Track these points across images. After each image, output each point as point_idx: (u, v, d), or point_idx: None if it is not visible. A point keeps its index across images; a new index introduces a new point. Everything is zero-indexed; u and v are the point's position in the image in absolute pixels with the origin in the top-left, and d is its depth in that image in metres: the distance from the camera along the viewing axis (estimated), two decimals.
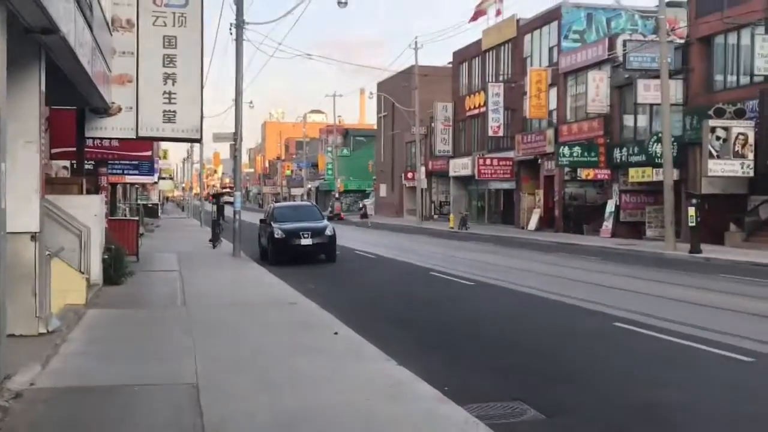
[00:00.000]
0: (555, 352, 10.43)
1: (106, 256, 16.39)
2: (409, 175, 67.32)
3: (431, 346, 10.96)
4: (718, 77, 31.49)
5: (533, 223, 45.36)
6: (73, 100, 15.50)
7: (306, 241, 23.36)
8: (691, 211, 26.64)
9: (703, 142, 27.24)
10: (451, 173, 59.21)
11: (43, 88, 9.88)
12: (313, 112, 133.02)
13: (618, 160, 37.09)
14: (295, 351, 9.64)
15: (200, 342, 10.10)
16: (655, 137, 32.48)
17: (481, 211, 55.62)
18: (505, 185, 50.57)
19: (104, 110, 16.62)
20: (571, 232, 41.29)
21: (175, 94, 17.14)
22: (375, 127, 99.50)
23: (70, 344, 9.97)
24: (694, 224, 26.66)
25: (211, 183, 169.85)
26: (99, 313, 12.62)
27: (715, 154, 26.96)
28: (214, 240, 30.26)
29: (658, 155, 32.11)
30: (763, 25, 26.92)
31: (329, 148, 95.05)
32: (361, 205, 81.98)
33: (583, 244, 33.08)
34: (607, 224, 37.98)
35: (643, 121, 36.75)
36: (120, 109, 16.80)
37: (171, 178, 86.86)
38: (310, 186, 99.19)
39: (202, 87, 17.35)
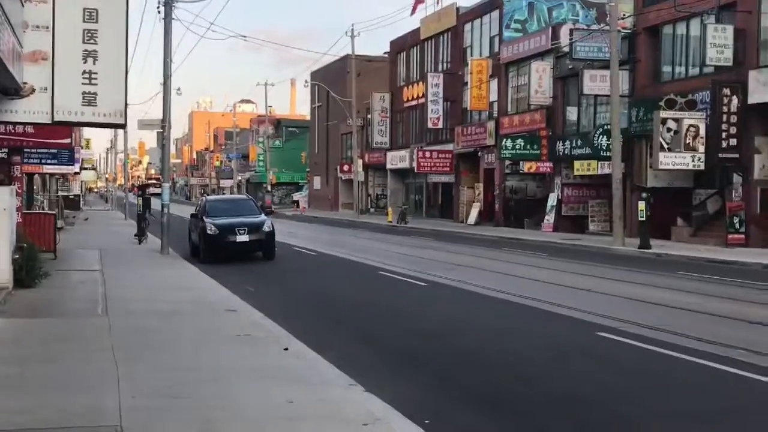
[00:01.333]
0: (548, 370, 9.08)
1: (17, 256, 14.49)
2: (345, 167, 65.78)
3: (397, 362, 9.52)
4: (666, 68, 30.80)
5: (473, 217, 44.32)
6: None
7: (242, 238, 21.63)
8: (641, 205, 25.81)
9: (654, 133, 26.41)
10: (389, 166, 57.85)
11: None
12: (243, 102, 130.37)
13: (560, 153, 36.23)
14: (239, 374, 8.08)
15: (124, 364, 8.44)
16: (600, 129, 31.68)
17: (419, 204, 54.44)
18: (444, 178, 49.46)
19: (15, 91, 14.67)
20: (512, 227, 40.36)
21: (96, 73, 15.24)
22: (308, 118, 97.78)
23: None
24: (643, 219, 25.85)
25: (136, 174, 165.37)
26: (4, 324, 10.81)
27: (666, 146, 26.14)
28: (140, 235, 28.29)
29: (604, 148, 31.36)
30: (714, 14, 26.21)
31: (260, 139, 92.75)
32: (295, 198, 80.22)
33: (528, 239, 32.08)
34: (549, 218, 37.15)
35: (586, 113, 35.96)
36: (33, 90, 14.85)
37: (94, 169, 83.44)
38: (240, 178, 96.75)
39: (126, 66, 15.51)
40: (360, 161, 57.70)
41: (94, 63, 15.27)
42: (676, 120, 26.27)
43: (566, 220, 36.90)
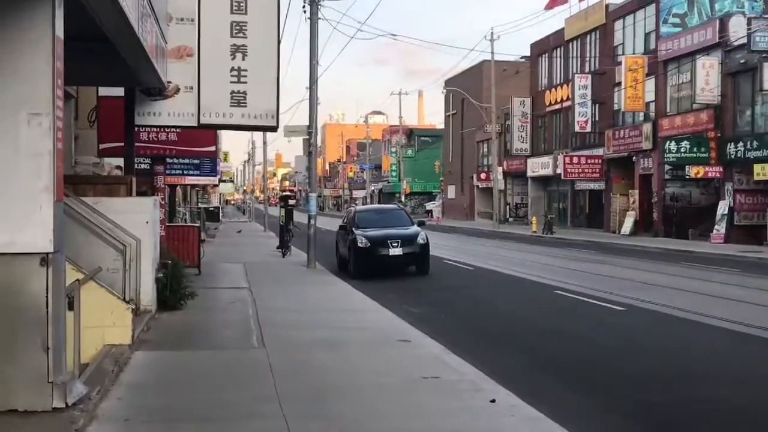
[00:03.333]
0: None
1: (161, 274, 13.06)
2: (482, 175, 63.45)
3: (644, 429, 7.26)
4: None
5: (627, 226, 41.11)
6: (118, 78, 12.25)
7: (395, 251, 19.77)
8: None
9: None
10: (529, 173, 55.18)
11: (59, 31, 6.49)
12: (373, 113, 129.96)
13: (732, 156, 32.80)
14: None
15: (296, 422, 6.57)
16: None
17: (563, 213, 51.45)
18: (593, 185, 46.35)
19: (159, 91, 13.31)
20: (673, 237, 37.03)
21: (245, 71, 13.71)
22: (437, 127, 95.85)
23: (100, 425, 6.53)
24: None
25: (270, 186, 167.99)
26: (148, 358, 9.22)
27: None
28: (283, 247, 26.95)
29: None
30: None
31: (393, 149, 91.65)
32: (428, 208, 78.48)
33: (700, 251, 28.91)
34: (719, 228, 33.66)
35: (763, 111, 32.33)
36: (178, 90, 13.46)
37: (231, 181, 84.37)
38: (373, 188, 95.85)
39: (278, 62, 13.90)
40: (499, 168, 55.23)
41: (243, 59, 13.75)
42: None
43: (739, 230, 33.34)
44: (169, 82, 13.25)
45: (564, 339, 11.33)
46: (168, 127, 15.45)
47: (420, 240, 20.21)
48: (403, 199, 75.72)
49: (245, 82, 13.71)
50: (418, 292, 17.22)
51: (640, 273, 20.76)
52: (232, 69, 13.69)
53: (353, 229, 20.80)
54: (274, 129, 14.27)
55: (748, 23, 28.74)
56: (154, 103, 13.50)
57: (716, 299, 15.23)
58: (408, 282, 19.43)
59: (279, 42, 13.95)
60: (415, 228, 21.06)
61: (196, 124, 13.62)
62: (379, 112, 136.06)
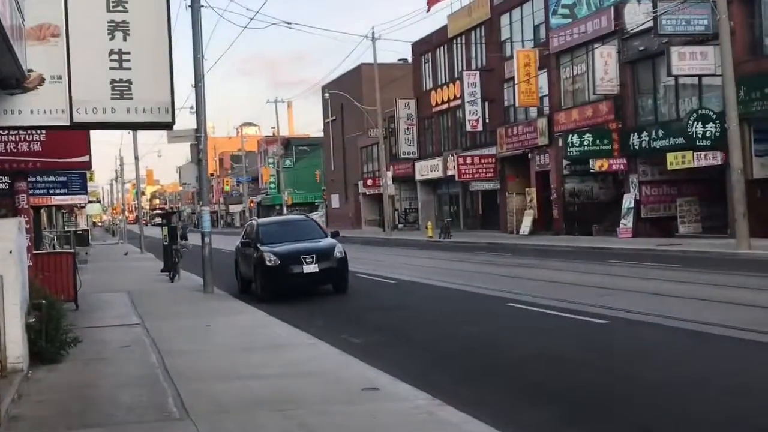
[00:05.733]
0: None
1: (34, 319, 10.01)
2: (369, 181, 61.33)
3: None
4: None
5: (526, 226, 39.80)
6: None
7: (310, 268, 17.09)
8: None
9: None
10: (418, 177, 53.46)
11: None
12: (245, 125, 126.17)
13: (636, 147, 31.81)
14: None
15: None
16: (695, 115, 27.18)
17: (455, 216, 49.85)
18: (487, 186, 44.91)
19: (17, 83, 10.27)
20: (576, 234, 35.86)
21: (128, 53, 10.85)
22: (311, 136, 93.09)
23: None
24: None
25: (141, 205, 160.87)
26: None
27: None
28: (169, 270, 23.79)
29: (700, 136, 26.93)
30: None
31: (271, 160, 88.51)
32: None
33: (618, 248, 27.57)
34: (626, 222, 32.61)
35: (666, 99, 31.50)
36: (42, 80, 10.46)
37: (98, 202, 79.08)
38: (252, 200, 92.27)
39: (170, 41, 11.10)
40: (389, 173, 53.20)
41: (124, 38, 10.89)
42: None
43: (646, 223, 32.42)
44: (30, 71, 10.26)
45: (575, 369, 8.97)
46: (33, 128, 12.28)
47: (337, 254, 17.62)
48: (285, 210, 72.61)
49: (129, 68, 10.85)
50: (349, 316, 14.64)
51: (581, 276, 18.87)
52: (112, 52, 10.81)
53: (258, 245, 17.98)
54: (168, 126, 11.42)
55: (654, 5, 27.60)
56: (12, 99, 10.44)
57: (697, 301, 13.37)
58: (329, 303, 16.82)
59: (169, 16, 11.14)
60: (329, 240, 18.44)
61: (68, 123, 10.64)
62: (252, 124, 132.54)
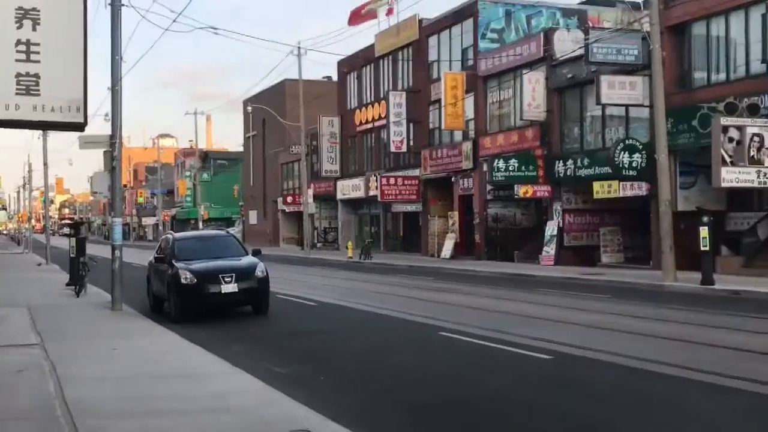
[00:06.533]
0: None
1: None
2: (288, 199, 60.16)
3: None
4: (699, 73, 26.55)
5: (447, 250, 39.33)
6: None
7: (229, 288, 16.01)
8: (704, 231, 21.24)
9: (713, 144, 21.93)
10: (339, 196, 52.62)
11: None
12: (162, 136, 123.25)
13: (561, 175, 31.69)
14: None
15: None
16: (621, 144, 27.17)
17: (376, 237, 49.13)
18: (409, 207, 44.40)
19: None
20: (497, 260, 35.57)
21: (37, 44, 9.74)
22: (230, 150, 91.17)
23: None
24: (707, 248, 21.29)
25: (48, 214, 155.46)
26: None
27: (728, 159, 21.69)
28: (75, 284, 22.28)
29: (627, 166, 26.91)
30: None
31: (188, 172, 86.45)
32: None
33: (541, 275, 27.24)
34: (549, 250, 32.45)
35: (592, 128, 31.52)
36: None
37: (4, 209, 75.65)
38: (166, 213, 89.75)
39: (85, 34, 10.01)
40: (311, 191, 52.17)
41: (33, 28, 9.78)
42: (739, 128, 21.86)
43: (569, 251, 32.29)
44: None
45: (536, 415, 8.23)
46: None
47: (259, 273, 16.58)
48: (200, 225, 70.67)
49: (38, 61, 9.76)
50: (271, 341, 13.62)
51: (512, 304, 18.29)
52: (19, 42, 9.69)
53: (173, 261, 16.80)
54: (80, 127, 10.31)
55: (586, 33, 27.52)
56: None
57: (640, 337, 12.84)
58: (248, 325, 15.76)
59: (85, 5, 10.06)
60: (250, 258, 17.37)
61: None
62: (169, 135, 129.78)
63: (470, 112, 38.16)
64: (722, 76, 25.55)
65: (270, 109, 56.85)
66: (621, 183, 27.65)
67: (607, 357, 10.78)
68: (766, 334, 12.71)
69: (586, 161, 30.26)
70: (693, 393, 8.71)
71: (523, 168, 32.66)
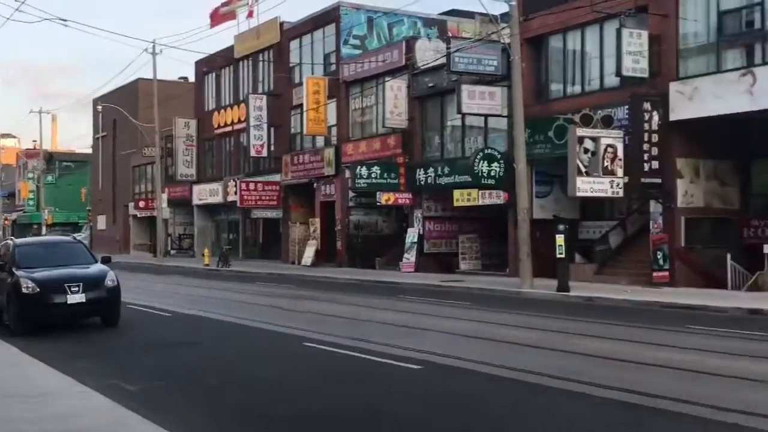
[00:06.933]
0: None
1: None
2: (141, 203, 57.88)
3: None
4: (555, 85, 27.24)
5: (308, 257, 38.81)
6: None
7: (75, 298, 14.86)
8: (560, 239, 21.70)
9: (569, 155, 22.44)
10: (196, 201, 51.09)
11: None
12: (3, 135, 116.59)
13: (422, 182, 31.86)
14: None
15: None
16: (481, 154, 27.50)
17: (234, 244, 47.91)
18: (270, 214, 43.54)
19: None
20: (359, 267, 35.39)
21: None
22: (78, 152, 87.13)
23: None
24: (562, 255, 21.78)
25: None
26: None
27: (584, 170, 22.25)
28: None
29: (486, 175, 27.27)
30: (633, 15, 22.78)
31: (31, 175, 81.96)
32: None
33: (402, 282, 27.22)
34: (409, 257, 32.51)
35: (452, 137, 31.85)
36: None
37: None
38: (6, 218, 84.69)
39: None
40: (165, 195, 50.34)
41: None
42: (594, 139, 22.48)
43: (428, 258, 32.46)
44: None
45: (411, 427, 7.81)
46: None
47: (109, 282, 15.52)
48: (44, 230, 66.99)
49: None
50: (121, 356, 12.67)
51: (376, 312, 17.98)
52: None
53: (13, 269, 15.48)
54: None
55: (447, 42, 27.70)
56: None
57: (502, 344, 12.76)
58: (97, 338, 14.69)
59: None
60: (99, 266, 16.23)
61: None
62: (11, 135, 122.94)
63: (332, 118, 37.83)
64: (578, 88, 26.30)
65: (122, 109, 54.54)
66: (480, 191, 28.02)
67: (475, 366, 10.58)
68: (620, 341, 12.91)
69: (446, 169, 30.52)
70: (555, 400, 8.57)
71: (385, 175, 32.60)
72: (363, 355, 11.48)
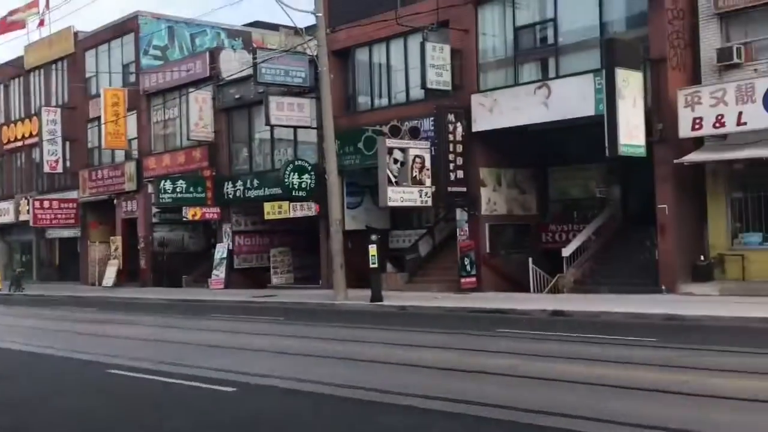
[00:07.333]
0: None
1: None
2: None
3: None
4: (363, 97, 27.43)
5: (110, 278, 36.93)
6: None
7: None
8: (373, 249, 21.76)
9: (380, 165, 22.56)
10: None
11: None
12: None
13: (230, 196, 31.16)
14: None
15: None
16: (291, 166, 27.26)
17: (28, 266, 44.75)
18: (66, 233, 41.11)
19: None
20: (165, 286, 34.09)
21: None
22: None
23: None
24: (376, 265, 21.86)
25: None
26: None
27: (394, 180, 22.45)
28: None
29: (296, 187, 27.06)
30: (435, 29, 23.29)
31: None
32: None
33: (217, 300, 26.36)
34: (219, 273, 31.64)
35: (261, 149, 31.35)
36: None
37: None
38: None
39: None
40: None
41: None
42: (403, 150, 22.78)
43: (239, 273, 31.74)
44: None
45: None
46: None
47: None
48: None
49: None
50: None
51: (182, 333, 17.18)
52: None
53: None
54: None
55: (254, 53, 27.20)
56: None
57: (319, 359, 12.45)
58: None
59: None
60: None
61: None
62: None
63: (133, 131, 36.27)
64: (385, 101, 26.63)
65: None
66: (291, 204, 27.76)
67: (294, 384, 10.20)
68: (439, 348, 12.99)
69: (256, 182, 29.99)
70: (380, 417, 8.38)
71: (191, 189, 31.56)
72: (173, 380, 10.80)
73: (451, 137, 23.01)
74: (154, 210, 34.73)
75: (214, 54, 32.47)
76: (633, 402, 8.33)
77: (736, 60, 18.84)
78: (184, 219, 31.61)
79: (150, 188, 34.29)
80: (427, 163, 23.12)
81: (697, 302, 17.55)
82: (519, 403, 8.36)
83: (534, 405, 8.22)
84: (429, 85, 23.10)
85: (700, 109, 18.68)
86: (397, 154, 22.65)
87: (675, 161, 19.20)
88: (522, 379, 9.93)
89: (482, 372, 10.31)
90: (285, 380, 10.40)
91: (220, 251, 31.82)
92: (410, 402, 8.71)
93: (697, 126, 18.81)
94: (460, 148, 23.16)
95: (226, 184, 31.22)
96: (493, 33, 23.60)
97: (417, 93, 24.81)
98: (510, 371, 10.30)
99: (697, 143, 19.55)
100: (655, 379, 9.41)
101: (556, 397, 8.60)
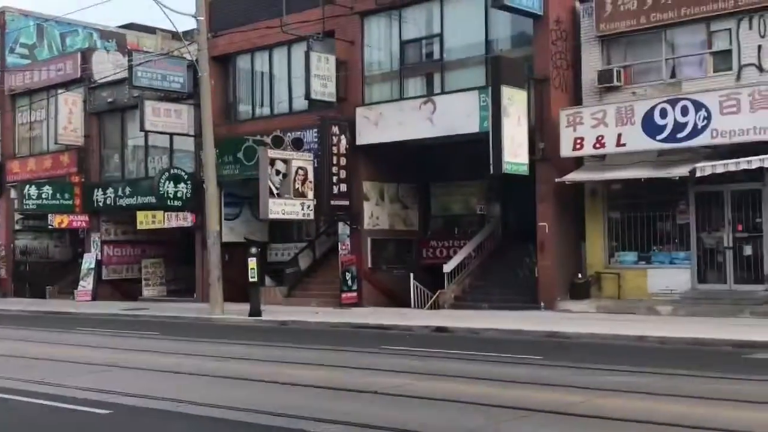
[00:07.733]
0: None
1: None
2: None
3: None
4: (244, 105, 26.73)
5: None
6: None
7: None
8: (252, 263, 21.09)
9: (261, 176, 21.90)
10: None
11: None
12: None
13: (100, 204, 29.74)
14: None
15: None
16: (166, 174, 26.27)
17: None
18: None
19: None
20: (27, 297, 32.24)
21: None
22: None
23: None
24: (255, 279, 21.20)
25: None
26: None
27: (275, 192, 21.85)
28: None
29: (172, 196, 26.11)
30: (320, 39, 22.87)
31: None
32: None
33: (85, 313, 24.98)
34: (86, 284, 30.12)
35: (134, 156, 30.07)
36: None
37: None
38: None
39: None
40: None
41: None
42: (285, 161, 22.23)
43: (108, 285, 30.33)
44: None
45: None
46: None
47: None
48: None
49: None
50: None
51: (39, 347, 15.99)
52: None
53: None
54: None
55: (129, 55, 26.05)
56: None
57: (201, 378, 11.75)
58: None
59: None
60: None
61: None
62: None
63: None
64: (267, 110, 26.04)
65: None
66: (166, 213, 26.72)
67: (174, 406, 9.50)
68: (327, 366, 12.55)
69: (128, 190, 28.74)
70: None
71: (58, 196, 29.91)
72: (39, 401, 9.88)
73: (334, 150, 22.65)
74: (17, 216, 32.86)
75: (85, 55, 31.02)
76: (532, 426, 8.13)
77: (616, 83, 19.33)
78: (50, 227, 29.99)
79: (13, 193, 32.40)
80: (310, 176, 22.68)
81: (576, 319, 17.80)
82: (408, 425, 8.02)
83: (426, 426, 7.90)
84: (313, 96, 22.67)
85: (582, 129, 19.05)
86: (280, 166, 22.10)
87: (556, 180, 19.48)
88: (411, 399, 9.60)
89: (370, 392, 9.93)
90: (162, 401, 9.69)
91: (88, 261, 30.29)
92: (303, 426, 8.22)
93: (578, 146, 19.16)
94: (343, 161, 22.84)
95: (95, 191, 29.78)
96: (379, 46, 23.43)
97: (301, 104, 24.32)
98: (398, 391, 9.96)
99: (578, 162, 19.92)
100: (546, 398, 9.28)
101: (453, 418, 8.31)
